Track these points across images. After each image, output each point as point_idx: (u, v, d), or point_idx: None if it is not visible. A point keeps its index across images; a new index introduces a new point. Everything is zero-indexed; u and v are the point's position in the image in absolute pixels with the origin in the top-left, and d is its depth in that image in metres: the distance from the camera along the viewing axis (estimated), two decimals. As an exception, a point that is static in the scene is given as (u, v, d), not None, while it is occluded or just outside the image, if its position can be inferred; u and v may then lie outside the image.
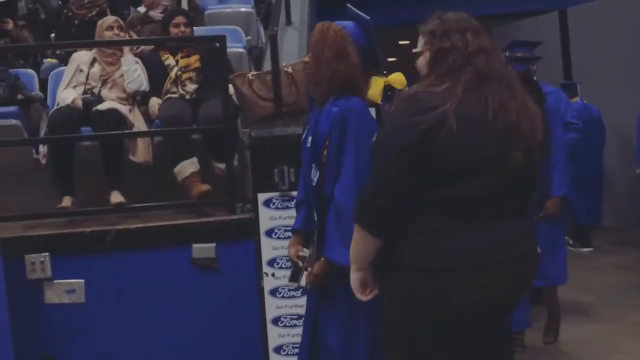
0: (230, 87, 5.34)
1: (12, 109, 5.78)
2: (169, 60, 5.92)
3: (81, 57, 5.93)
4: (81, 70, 5.86)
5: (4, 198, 5.58)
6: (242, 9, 7.82)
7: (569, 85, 10.32)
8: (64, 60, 6.44)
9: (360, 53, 3.98)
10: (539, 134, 2.98)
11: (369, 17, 4.21)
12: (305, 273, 4.01)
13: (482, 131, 2.85)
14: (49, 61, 6.76)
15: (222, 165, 5.44)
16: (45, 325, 5.11)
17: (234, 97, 5.39)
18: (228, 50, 5.55)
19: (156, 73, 5.88)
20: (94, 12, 6.81)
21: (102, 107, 5.57)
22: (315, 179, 3.96)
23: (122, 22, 6.04)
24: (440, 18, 3.09)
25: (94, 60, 5.90)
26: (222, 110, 5.25)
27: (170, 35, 6.09)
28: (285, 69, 5.26)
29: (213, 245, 5.10)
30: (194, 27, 6.38)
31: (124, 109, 5.61)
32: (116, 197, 5.37)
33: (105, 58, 5.88)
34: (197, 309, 5.12)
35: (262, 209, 4.94)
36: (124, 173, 5.51)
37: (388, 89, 4.82)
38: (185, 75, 5.85)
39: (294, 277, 4.09)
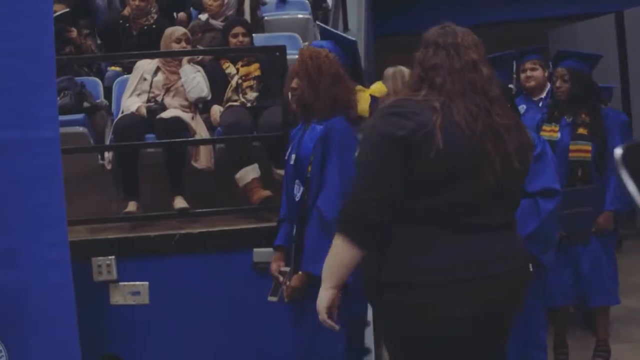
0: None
1: (78, 116, 5.96)
2: (230, 69, 6.05)
3: (145, 65, 6.08)
4: (145, 79, 6.02)
5: (71, 202, 5.75)
6: (300, 16, 7.93)
7: (604, 89, 10.18)
8: (128, 69, 6.60)
9: (345, 67, 4.26)
10: (519, 158, 2.91)
11: (354, 39, 4.59)
12: (284, 287, 4.19)
13: (457, 144, 2.80)
14: (112, 69, 6.92)
15: (282, 171, 5.55)
16: (111, 326, 5.27)
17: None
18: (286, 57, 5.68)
19: (217, 81, 6.01)
20: (151, 21, 6.96)
21: (165, 115, 5.73)
22: (299, 194, 4.14)
23: (189, 35, 6.17)
24: (433, 30, 3.03)
25: (157, 69, 6.05)
26: (282, 117, 5.37)
27: (229, 44, 6.22)
28: (344, 76, 5.35)
29: (271, 250, 5.20)
30: (254, 35, 6.50)
31: (186, 116, 5.75)
32: (179, 203, 5.51)
33: (168, 67, 6.02)
34: (257, 312, 5.22)
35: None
36: (187, 179, 5.66)
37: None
38: (245, 84, 5.97)
39: (275, 292, 4.30)
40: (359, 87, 4.67)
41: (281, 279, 4.29)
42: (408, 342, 2.90)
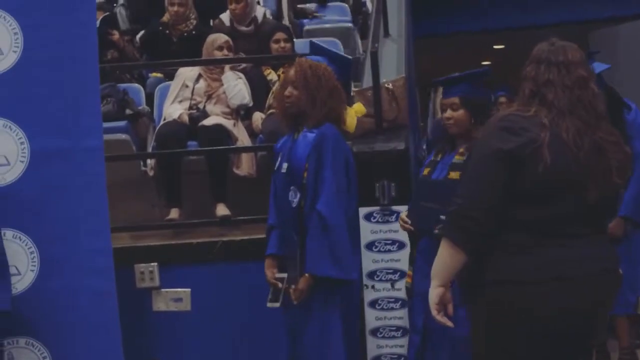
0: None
1: (121, 123, 6.02)
2: (271, 76, 6.08)
3: (186, 72, 6.12)
4: (187, 86, 6.06)
5: (113, 208, 5.80)
6: (341, 24, 7.95)
7: None
8: (169, 75, 6.64)
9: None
10: (619, 173, 3.07)
11: (350, 57, 4.85)
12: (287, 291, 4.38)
13: (564, 160, 2.96)
14: (154, 76, 6.97)
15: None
16: (153, 332, 5.31)
17: (335, 112, 5.51)
18: (327, 63, 5.69)
19: (259, 88, 6.04)
20: (190, 27, 6.99)
21: (207, 122, 5.76)
22: (296, 201, 4.32)
23: (231, 42, 6.19)
24: (542, 46, 3.17)
25: (199, 76, 6.09)
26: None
27: (270, 50, 6.24)
28: (386, 86, 5.37)
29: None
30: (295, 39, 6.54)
31: (228, 123, 5.78)
32: (222, 210, 5.55)
33: (210, 74, 6.06)
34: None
35: (363, 222, 5.05)
36: (229, 186, 5.69)
37: None
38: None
39: (275, 298, 4.46)
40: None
41: (280, 285, 4.44)
42: (508, 337, 3.05)
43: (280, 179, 4.42)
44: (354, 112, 4.85)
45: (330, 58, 4.64)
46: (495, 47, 15.74)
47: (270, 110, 5.92)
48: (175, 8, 6.90)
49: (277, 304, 4.46)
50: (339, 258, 4.28)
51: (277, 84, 6.01)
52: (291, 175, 4.34)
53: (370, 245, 5.10)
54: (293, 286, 4.36)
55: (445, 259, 3.06)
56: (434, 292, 3.11)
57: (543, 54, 3.11)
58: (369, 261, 5.11)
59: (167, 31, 6.93)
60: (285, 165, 4.38)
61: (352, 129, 4.67)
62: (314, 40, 5.00)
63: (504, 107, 11.09)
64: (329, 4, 8.85)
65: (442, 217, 4.08)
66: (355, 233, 4.67)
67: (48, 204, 4.45)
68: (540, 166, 2.92)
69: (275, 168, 4.48)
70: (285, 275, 4.44)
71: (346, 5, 8.85)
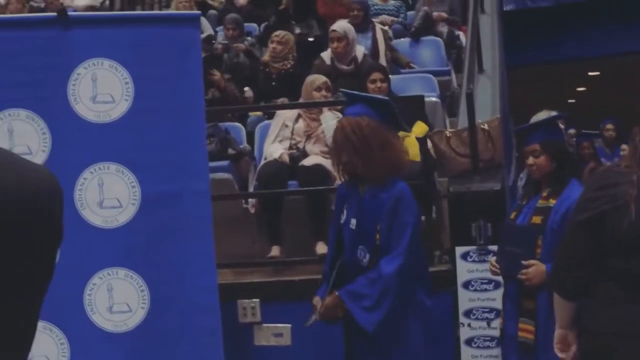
0: (428, 141, 5.58)
1: (224, 163, 6.23)
2: (368, 115, 6.19)
3: (286, 112, 6.30)
4: (286, 126, 6.23)
5: (216, 245, 6.00)
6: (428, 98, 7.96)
7: None
8: (269, 113, 6.84)
9: (387, 126, 4.26)
10: None
11: (387, 98, 4.63)
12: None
13: None
14: (254, 114, 7.19)
15: (421, 217, 5.66)
16: (255, 365, 5.48)
17: (432, 152, 5.62)
18: (422, 99, 5.82)
19: (356, 128, 6.15)
20: (288, 66, 7.19)
21: (307, 162, 5.92)
22: (366, 261, 4.19)
23: (329, 83, 6.36)
24: None
25: (298, 116, 6.26)
26: (422, 165, 5.48)
27: (367, 89, 6.38)
28: (482, 126, 5.46)
29: (413, 295, 5.33)
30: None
31: (327, 163, 5.92)
32: (321, 248, 5.68)
33: (309, 115, 6.23)
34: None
35: (459, 261, 5.14)
36: (328, 224, 5.82)
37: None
38: (384, 130, 6.11)
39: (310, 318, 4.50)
40: (402, 133, 4.75)
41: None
42: None
43: (348, 233, 4.27)
44: (414, 139, 4.86)
45: (369, 103, 4.36)
46: (590, 73, 15.63)
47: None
48: (274, 45, 7.12)
49: (309, 322, 4.51)
50: (373, 307, 4.15)
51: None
52: (361, 234, 4.19)
53: (466, 284, 5.18)
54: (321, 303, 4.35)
55: (557, 305, 3.43)
56: (555, 334, 3.49)
57: None
58: (465, 299, 5.19)
59: (267, 69, 7.17)
60: (354, 221, 4.22)
61: (417, 156, 4.65)
62: (352, 91, 4.69)
63: (610, 134, 11.12)
64: (423, 38, 8.91)
65: (523, 262, 4.29)
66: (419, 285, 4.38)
67: (158, 244, 4.63)
68: (625, 221, 3.06)
69: (343, 221, 4.31)
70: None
71: (440, 39, 8.91)
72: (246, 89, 7.43)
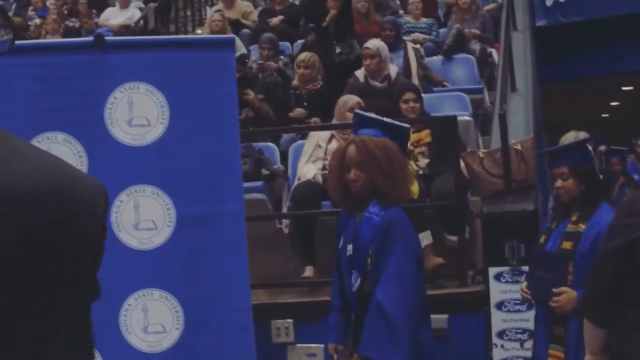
0: (461, 162, 5.60)
1: (258, 183, 6.28)
2: (402, 136, 6.22)
3: (319, 133, 6.35)
4: (320, 146, 6.27)
5: (250, 264, 6.05)
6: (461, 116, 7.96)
7: None
8: (302, 134, 6.89)
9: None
10: None
11: (408, 125, 4.58)
12: None
13: None
14: (287, 134, 7.24)
15: (454, 238, 5.68)
16: (288, 385, 5.51)
17: (465, 172, 5.63)
18: (455, 119, 5.83)
19: (389, 148, 6.18)
20: (318, 87, 7.26)
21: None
22: (356, 285, 4.11)
23: (362, 104, 6.40)
24: None
25: (331, 137, 6.30)
26: (455, 185, 5.50)
27: (400, 109, 6.41)
28: (515, 147, 5.46)
29: (445, 316, 5.34)
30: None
31: (360, 183, 5.95)
32: (354, 268, 5.71)
33: (342, 135, 6.26)
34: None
35: (492, 282, 5.15)
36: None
37: None
38: (417, 150, 6.13)
39: None
40: None
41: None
42: None
43: (345, 260, 4.22)
44: (414, 177, 4.83)
45: (384, 129, 4.29)
46: (623, 88, 15.56)
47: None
48: (302, 70, 7.23)
49: None
50: (385, 346, 4.03)
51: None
52: (355, 259, 4.13)
53: (499, 305, 5.19)
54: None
55: (588, 332, 3.48)
56: (585, 359, 3.55)
57: None
58: (499, 320, 5.20)
59: (298, 91, 7.26)
60: (350, 247, 4.16)
61: (416, 194, 4.62)
62: (370, 114, 4.61)
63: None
64: (455, 56, 8.92)
65: (554, 290, 4.23)
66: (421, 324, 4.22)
67: (192, 265, 4.67)
68: None
69: (340, 247, 4.27)
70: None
71: (472, 57, 8.91)
72: (299, 110, 7.44)
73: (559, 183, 4.41)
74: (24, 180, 1.16)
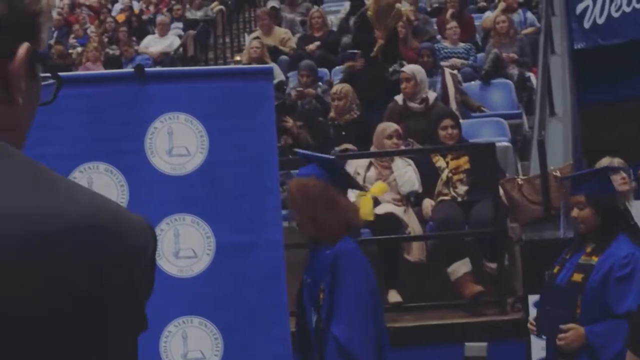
0: (500, 189, 5.59)
1: (296, 211, 6.27)
2: (440, 162, 6.24)
3: (358, 160, 6.37)
4: (358, 174, 6.29)
5: (288, 293, 6.05)
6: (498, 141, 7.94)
7: None
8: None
9: (335, 186, 4.15)
10: None
11: (332, 157, 4.56)
12: None
13: None
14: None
15: (493, 265, 5.66)
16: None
17: (504, 199, 5.62)
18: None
19: (428, 175, 6.21)
20: (354, 116, 7.33)
21: (379, 210, 5.95)
22: (314, 321, 4.13)
23: (400, 131, 6.43)
24: None
25: (369, 164, 6.32)
26: (494, 213, 5.49)
27: (438, 136, 6.42)
28: (554, 173, 5.44)
29: (485, 344, 5.31)
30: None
31: (399, 211, 5.97)
32: (394, 297, 5.71)
33: (380, 162, 6.29)
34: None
35: (532, 309, 5.11)
36: (400, 271, 5.85)
37: None
38: (456, 177, 6.14)
39: None
40: (361, 192, 4.72)
41: None
42: None
43: (307, 294, 4.25)
44: (370, 198, 4.77)
45: (318, 163, 4.32)
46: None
47: (440, 197, 6.08)
48: (336, 102, 7.32)
49: None
50: None
51: (445, 171, 6.18)
52: (311, 294, 4.16)
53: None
54: None
55: None
56: None
57: None
58: (538, 349, 5.16)
59: (336, 121, 7.33)
60: (309, 281, 4.22)
61: (369, 216, 4.56)
62: (304, 151, 4.63)
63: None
64: (493, 80, 8.90)
65: (562, 326, 4.10)
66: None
67: (232, 293, 4.69)
68: None
69: (303, 281, 4.32)
70: None
71: (510, 82, 8.88)
72: (346, 145, 7.49)
73: (575, 212, 4.25)
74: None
